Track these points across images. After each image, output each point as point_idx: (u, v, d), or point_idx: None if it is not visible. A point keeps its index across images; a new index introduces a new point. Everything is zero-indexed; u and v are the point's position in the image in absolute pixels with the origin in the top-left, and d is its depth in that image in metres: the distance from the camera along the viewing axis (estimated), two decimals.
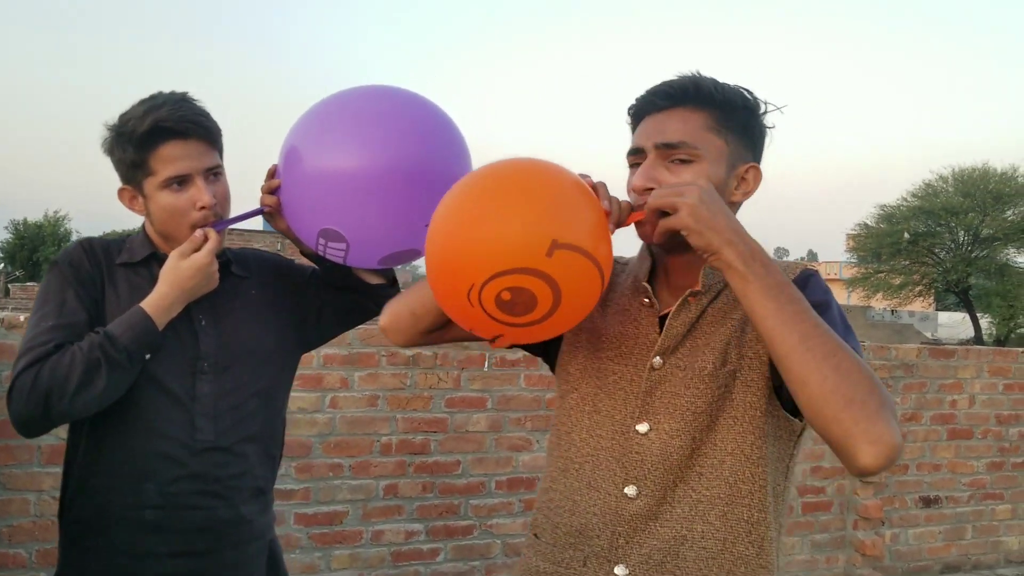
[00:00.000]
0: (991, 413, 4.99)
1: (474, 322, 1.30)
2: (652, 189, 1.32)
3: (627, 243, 1.50)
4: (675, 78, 1.39)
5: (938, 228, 28.90)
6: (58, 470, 3.11)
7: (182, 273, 1.66)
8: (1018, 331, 27.51)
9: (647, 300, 1.43)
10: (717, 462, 1.34)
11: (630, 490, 1.36)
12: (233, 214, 1.78)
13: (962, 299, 29.68)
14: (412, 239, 1.69)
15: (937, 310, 40.67)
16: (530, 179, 1.28)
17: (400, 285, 1.89)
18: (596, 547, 1.38)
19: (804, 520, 4.56)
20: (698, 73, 1.40)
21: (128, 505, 1.68)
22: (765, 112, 1.42)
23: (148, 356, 1.65)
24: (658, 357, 1.38)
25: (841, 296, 49.28)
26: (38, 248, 51.35)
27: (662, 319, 1.40)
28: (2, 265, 48.40)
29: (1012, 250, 28.15)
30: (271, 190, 1.72)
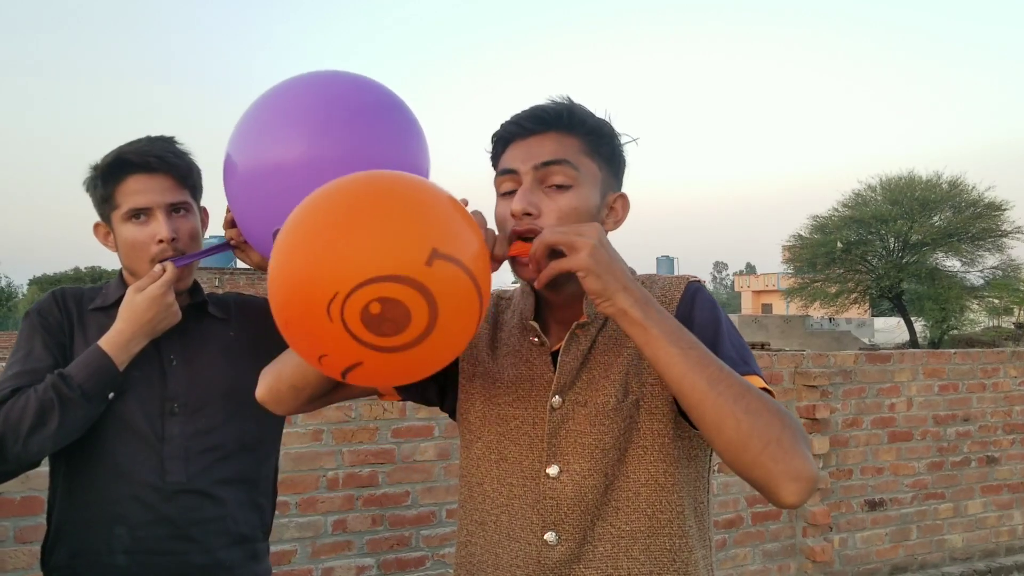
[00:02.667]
0: (928, 414, 5.11)
1: (329, 345, 1.12)
2: (531, 215, 1.28)
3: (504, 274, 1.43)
4: (547, 103, 1.35)
5: (869, 236, 29.64)
6: None
7: (137, 307, 1.64)
8: (951, 333, 28.27)
9: (536, 339, 1.38)
10: (632, 494, 1.30)
11: (550, 537, 1.31)
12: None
13: (896, 304, 30.40)
14: None
15: (873, 316, 41.60)
16: (407, 186, 1.15)
17: None
18: None
19: (754, 530, 4.60)
20: (569, 99, 1.36)
21: (100, 550, 1.66)
22: (620, 142, 1.40)
23: (111, 395, 1.64)
24: (557, 396, 1.33)
25: (780, 307, 50.11)
26: None
27: (555, 355, 1.36)
28: None
29: (940, 254, 29.00)
30: (230, 223, 1.69)
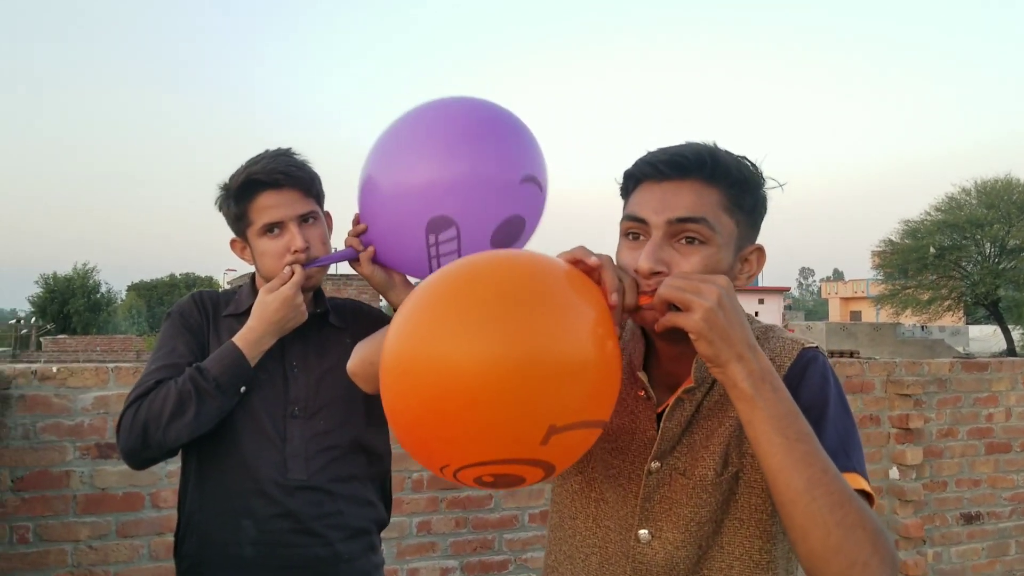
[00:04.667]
0: None
1: (448, 478, 1.11)
2: (660, 273, 1.18)
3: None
4: (687, 146, 1.24)
5: (964, 241, 28.72)
6: (95, 519, 3.16)
7: (268, 306, 1.76)
8: None
9: (643, 393, 1.30)
10: (725, 566, 1.24)
11: None
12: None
13: (992, 312, 29.34)
14: (514, 203, 1.67)
15: (967, 324, 40.19)
16: (519, 307, 1.01)
17: None
18: None
19: None
20: (714, 144, 1.25)
21: (229, 541, 1.78)
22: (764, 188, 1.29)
23: (243, 389, 1.76)
24: (655, 461, 1.27)
25: (870, 314, 48.80)
26: (68, 301, 52.05)
27: (660, 414, 1.29)
28: (34, 319, 49.09)
29: None
30: (357, 235, 1.78)
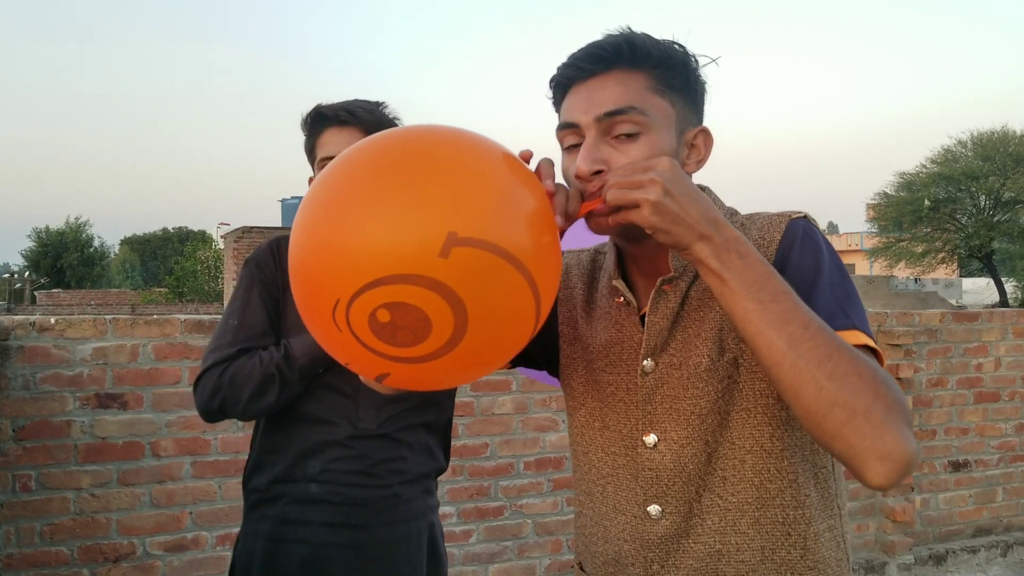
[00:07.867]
0: (1017, 375, 4.97)
1: (349, 353, 0.96)
2: (600, 172, 1.14)
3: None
4: (604, 38, 1.18)
5: (959, 194, 28.73)
6: (96, 468, 3.20)
7: None
8: None
9: (621, 299, 1.26)
10: (738, 462, 1.18)
11: (653, 510, 1.21)
12: None
13: (985, 264, 29.46)
14: None
15: (961, 276, 40.34)
16: (432, 150, 0.93)
17: None
18: None
19: None
20: (628, 29, 1.20)
21: (295, 479, 1.86)
22: (697, 66, 1.23)
23: (322, 370, 1.81)
24: (648, 360, 1.22)
25: (863, 267, 48.92)
26: (61, 255, 51.97)
27: (645, 316, 1.23)
28: (27, 273, 49.06)
29: None
30: None
